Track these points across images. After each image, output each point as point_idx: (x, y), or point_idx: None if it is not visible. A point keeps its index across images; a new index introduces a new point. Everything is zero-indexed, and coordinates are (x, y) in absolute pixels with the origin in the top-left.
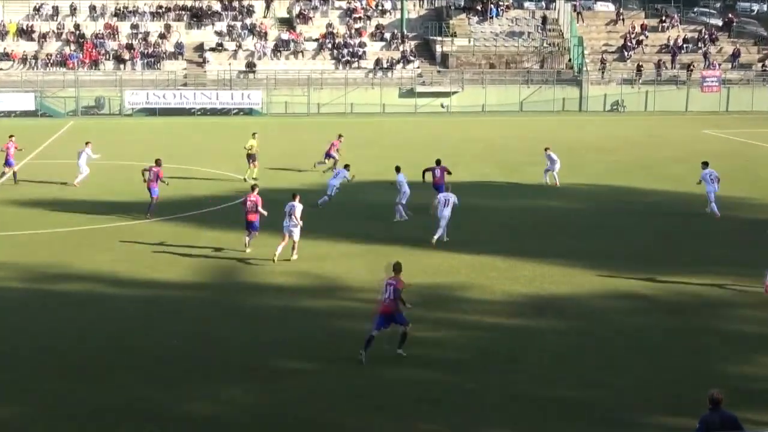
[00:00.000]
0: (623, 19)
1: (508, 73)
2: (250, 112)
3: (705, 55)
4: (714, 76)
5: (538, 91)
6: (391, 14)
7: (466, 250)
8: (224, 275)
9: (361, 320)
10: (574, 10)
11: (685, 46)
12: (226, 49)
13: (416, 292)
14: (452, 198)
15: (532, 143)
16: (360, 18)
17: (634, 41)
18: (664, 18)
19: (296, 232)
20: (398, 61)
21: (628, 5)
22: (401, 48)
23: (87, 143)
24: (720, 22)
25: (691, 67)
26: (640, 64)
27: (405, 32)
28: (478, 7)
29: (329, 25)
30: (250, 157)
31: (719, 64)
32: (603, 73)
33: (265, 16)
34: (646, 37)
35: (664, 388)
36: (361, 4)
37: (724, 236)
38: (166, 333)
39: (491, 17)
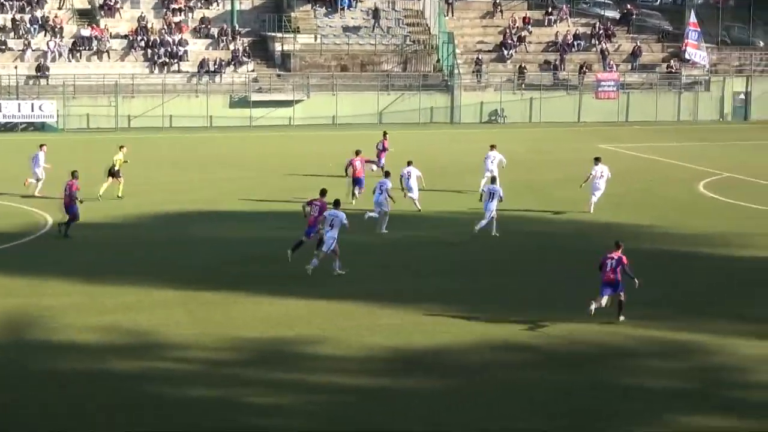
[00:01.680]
0: (502, 11)
1: (364, 77)
2: (42, 127)
3: (600, 54)
4: (611, 79)
5: (401, 99)
6: (218, 5)
7: (317, 295)
8: (12, 330)
9: (183, 384)
10: (444, 1)
11: (576, 43)
12: (10, 49)
13: (254, 348)
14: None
15: (394, 160)
16: (180, 10)
17: (515, 38)
18: (550, 10)
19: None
20: (228, 63)
21: None
22: (231, 47)
23: (41, 146)
24: (617, 15)
25: (584, 68)
26: (523, 65)
27: (236, 27)
28: None
29: (141, 18)
30: (113, 173)
31: (617, 65)
32: (478, 76)
33: (60, 8)
34: (530, 32)
35: None
36: None
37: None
38: None
39: (342, 9)
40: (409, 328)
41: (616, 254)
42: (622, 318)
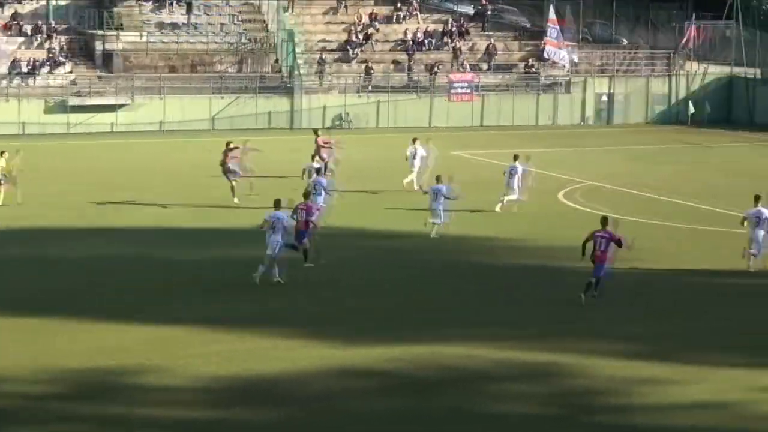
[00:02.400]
0: (347, 7)
1: (195, 78)
2: None
3: (453, 53)
4: (464, 81)
5: (236, 103)
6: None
7: (141, 320)
8: None
9: None
10: None
11: (427, 41)
12: None
13: (71, 380)
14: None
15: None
16: None
17: (361, 36)
18: (399, 5)
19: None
20: (44, 64)
21: None
22: (47, 45)
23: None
24: (471, 11)
25: (436, 69)
26: (370, 65)
27: (52, 24)
28: None
29: None
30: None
31: (471, 66)
32: (321, 77)
33: None
34: (377, 30)
35: None
36: None
37: (480, 292)
38: None
39: (170, 4)
40: (246, 355)
41: (605, 233)
42: (596, 293)
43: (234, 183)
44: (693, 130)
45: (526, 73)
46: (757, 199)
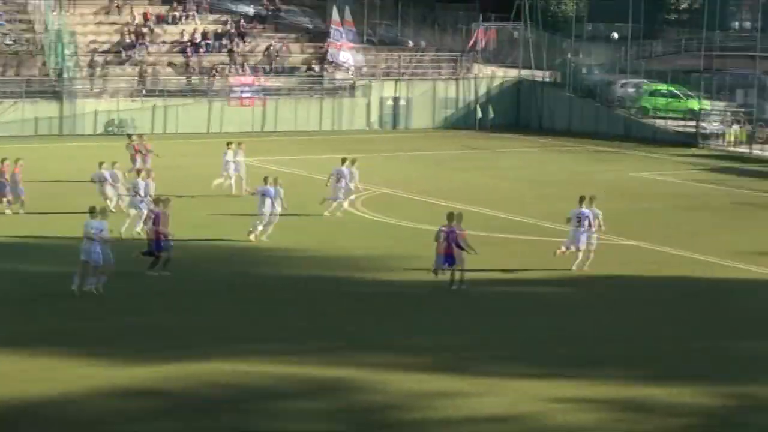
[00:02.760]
0: (119, 6)
1: None
2: None
3: (230, 54)
4: (245, 84)
5: (1, 109)
6: None
7: None
8: None
9: None
10: None
11: (205, 43)
12: None
13: None
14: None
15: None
16: None
17: (135, 37)
18: (175, 5)
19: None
20: None
21: None
22: None
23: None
24: (251, 11)
25: (214, 72)
26: (144, 68)
27: None
28: None
29: None
30: None
31: (252, 68)
32: (92, 81)
33: None
34: (151, 31)
35: None
36: None
37: (265, 305)
38: None
39: None
40: (19, 376)
41: (448, 228)
42: (454, 287)
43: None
44: (482, 135)
45: (308, 76)
46: (581, 200)
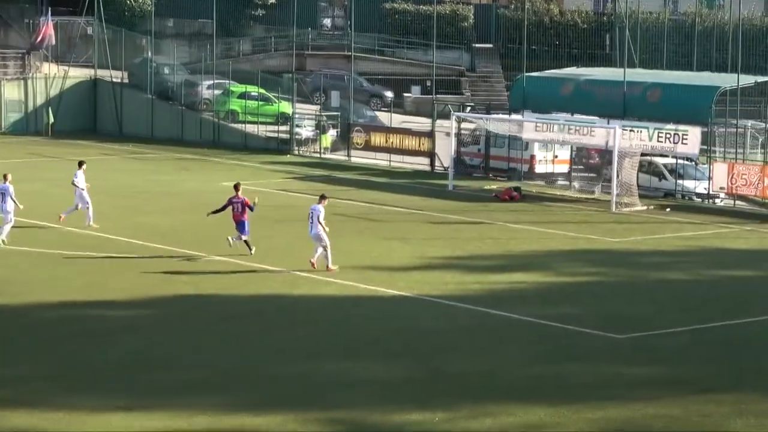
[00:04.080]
0: None
1: None
2: None
3: None
4: None
5: None
6: None
7: None
8: None
9: None
10: None
11: None
12: None
13: None
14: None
15: None
16: None
17: None
18: None
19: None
20: None
21: None
22: None
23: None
24: None
25: None
26: None
27: None
28: None
29: None
30: None
31: None
32: None
33: None
34: None
35: None
36: None
37: None
38: None
39: None
40: None
41: (238, 198)
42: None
43: None
44: (54, 142)
45: None
46: (321, 198)
